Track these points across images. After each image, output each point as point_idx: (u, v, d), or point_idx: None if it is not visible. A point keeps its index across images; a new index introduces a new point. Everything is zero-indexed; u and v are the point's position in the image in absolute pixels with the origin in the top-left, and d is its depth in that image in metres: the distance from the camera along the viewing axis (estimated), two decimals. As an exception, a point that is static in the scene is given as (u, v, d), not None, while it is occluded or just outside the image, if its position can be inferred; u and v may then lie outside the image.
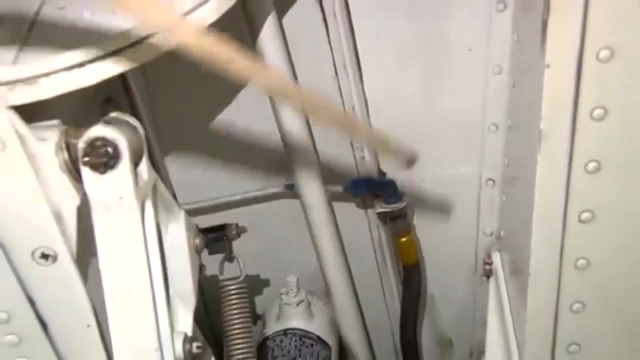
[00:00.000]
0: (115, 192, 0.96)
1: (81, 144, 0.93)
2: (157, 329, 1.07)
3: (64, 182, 0.96)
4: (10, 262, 1.00)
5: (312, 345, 1.73)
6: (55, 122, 0.96)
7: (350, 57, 1.52)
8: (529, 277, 1.11)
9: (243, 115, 1.63)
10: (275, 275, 1.86)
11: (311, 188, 1.66)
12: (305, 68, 1.53)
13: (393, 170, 1.70)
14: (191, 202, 1.66)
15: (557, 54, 0.91)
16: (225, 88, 1.60)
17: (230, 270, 1.38)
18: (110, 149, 0.93)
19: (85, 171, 0.94)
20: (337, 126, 1.19)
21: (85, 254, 1.02)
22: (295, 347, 1.71)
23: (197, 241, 1.22)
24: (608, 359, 1.17)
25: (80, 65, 0.90)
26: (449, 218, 1.78)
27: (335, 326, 1.88)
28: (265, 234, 1.74)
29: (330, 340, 1.80)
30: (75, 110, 1.03)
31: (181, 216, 1.17)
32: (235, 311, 1.29)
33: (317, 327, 1.78)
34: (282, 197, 1.77)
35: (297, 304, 1.78)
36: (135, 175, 0.97)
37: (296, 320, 1.77)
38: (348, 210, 1.78)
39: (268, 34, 1.42)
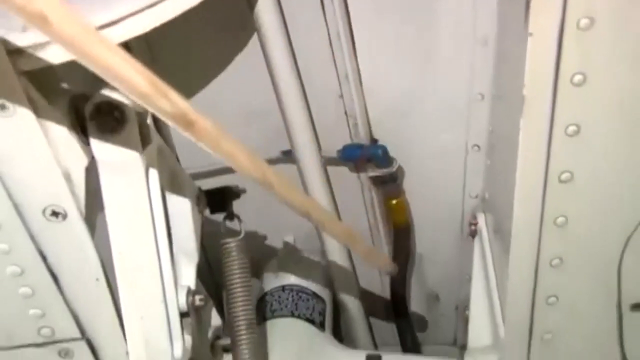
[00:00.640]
0: (121, 153, 0.95)
1: (89, 107, 0.92)
2: (162, 283, 1.07)
3: (72, 144, 0.95)
4: (23, 219, 0.99)
5: (308, 299, 1.74)
6: (64, 87, 0.95)
7: (344, 27, 1.50)
8: (511, 234, 1.11)
9: (242, 84, 1.62)
10: (273, 235, 1.86)
11: (307, 154, 1.66)
12: (301, 38, 1.52)
13: (384, 137, 1.69)
14: (193, 166, 1.65)
15: (540, 23, 0.90)
16: (225, 56, 1.59)
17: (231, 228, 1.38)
18: (116, 113, 0.92)
19: (93, 134, 0.94)
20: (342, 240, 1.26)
21: (94, 212, 1.02)
22: (293, 301, 1.71)
23: (199, 201, 1.22)
24: (584, 310, 1.18)
25: (87, 32, 0.89)
26: (437, 182, 1.77)
27: (329, 282, 1.89)
28: (263, 197, 1.72)
29: (325, 295, 1.81)
30: (83, 76, 1.02)
31: (184, 178, 1.17)
32: (235, 267, 1.28)
33: (313, 283, 1.79)
34: (279, 163, 1.76)
35: (294, 262, 1.78)
36: (141, 137, 0.96)
37: (293, 277, 1.78)
38: (342, 175, 1.78)
39: (265, 5, 1.40)
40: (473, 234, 1.72)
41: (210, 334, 1.37)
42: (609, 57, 0.92)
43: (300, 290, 1.75)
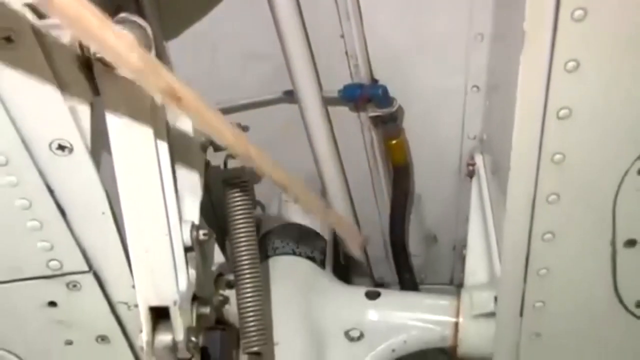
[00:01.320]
0: (126, 89, 0.95)
1: (93, 42, 0.92)
2: (167, 217, 1.07)
3: (78, 78, 0.95)
4: (30, 153, 1.00)
5: (309, 238, 1.75)
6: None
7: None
8: (510, 171, 1.11)
9: (244, 24, 1.61)
10: (275, 174, 1.86)
11: (308, 93, 1.65)
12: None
13: (385, 77, 1.69)
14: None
15: (541, -44, 0.89)
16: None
17: (234, 165, 1.38)
18: (121, 46, 0.92)
19: (98, 68, 0.93)
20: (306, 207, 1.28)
21: (100, 147, 1.02)
22: (294, 239, 1.73)
23: (203, 138, 1.22)
24: (579, 245, 1.18)
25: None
26: (436, 122, 1.77)
27: (330, 222, 1.90)
28: (265, 136, 1.72)
29: (325, 234, 1.82)
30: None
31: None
32: (238, 203, 1.29)
33: (314, 222, 1.80)
34: (281, 103, 1.76)
35: (295, 201, 1.79)
36: (145, 72, 0.95)
37: (294, 216, 1.79)
38: (342, 115, 1.77)
39: None
40: (471, 174, 1.72)
41: (213, 269, 1.38)
42: (610, -8, 0.91)
43: (302, 228, 1.76)
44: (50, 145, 0.99)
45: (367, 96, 1.69)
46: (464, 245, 1.66)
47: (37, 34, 0.89)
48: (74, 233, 1.10)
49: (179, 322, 1.10)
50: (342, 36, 1.61)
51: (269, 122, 1.79)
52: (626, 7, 0.92)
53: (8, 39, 0.88)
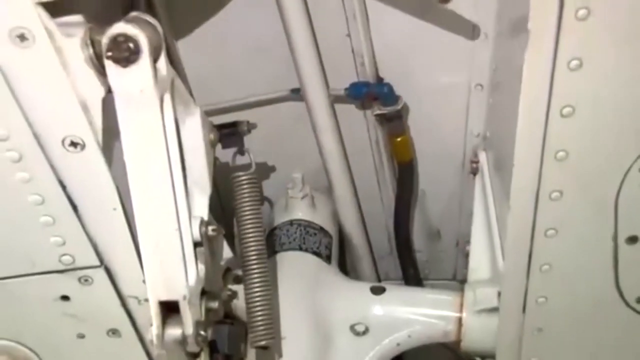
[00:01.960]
0: (136, 84, 0.95)
1: (105, 39, 0.92)
2: (177, 213, 1.07)
3: (89, 75, 0.95)
4: (43, 149, 1.00)
5: (315, 234, 1.75)
6: (80, 18, 0.94)
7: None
8: (513, 167, 1.10)
9: (253, 22, 1.61)
10: (282, 170, 1.87)
11: (315, 91, 1.65)
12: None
13: (390, 76, 1.69)
14: (206, 103, 1.65)
15: (546, -44, 0.89)
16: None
17: (242, 162, 1.38)
18: (131, 45, 0.92)
19: (109, 65, 0.93)
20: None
21: (112, 143, 1.02)
22: (300, 235, 1.72)
23: (212, 135, 1.22)
24: (581, 241, 1.18)
25: (102, -37, 0.89)
26: (441, 120, 1.77)
27: (335, 217, 1.90)
28: (273, 134, 1.74)
29: (331, 230, 1.82)
30: (99, 10, 1.02)
31: (197, 112, 1.17)
32: (246, 200, 1.29)
33: (320, 218, 1.80)
34: (288, 100, 1.76)
35: (302, 198, 1.79)
36: (155, 69, 0.96)
37: (301, 212, 1.79)
38: (348, 112, 1.77)
39: None
40: (474, 171, 1.72)
41: (221, 264, 1.38)
42: (613, -9, 0.91)
43: (308, 225, 1.76)
44: (62, 141, 0.99)
45: (372, 94, 1.68)
46: (467, 241, 1.66)
47: (50, 32, 0.89)
48: (85, 228, 1.10)
49: (189, 316, 1.10)
50: (349, 35, 1.61)
51: (277, 119, 1.79)
52: (629, 6, 0.92)
53: (22, 37, 0.88)
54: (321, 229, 1.78)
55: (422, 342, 1.54)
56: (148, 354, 1.28)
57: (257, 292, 1.30)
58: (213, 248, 1.23)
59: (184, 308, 1.09)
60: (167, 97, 1.02)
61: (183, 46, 1.66)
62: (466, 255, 1.63)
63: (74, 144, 0.99)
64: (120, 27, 0.91)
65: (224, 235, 1.31)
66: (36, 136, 0.98)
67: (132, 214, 1.06)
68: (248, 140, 1.40)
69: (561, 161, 1.08)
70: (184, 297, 1.09)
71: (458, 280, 2.17)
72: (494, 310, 1.38)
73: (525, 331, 1.30)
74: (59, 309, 1.21)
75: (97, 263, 1.15)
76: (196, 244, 1.13)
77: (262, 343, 1.29)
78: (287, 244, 1.71)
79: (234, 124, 1.36)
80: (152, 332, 1.09)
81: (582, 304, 1.27)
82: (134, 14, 0.98)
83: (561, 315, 1.29)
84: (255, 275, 1.30)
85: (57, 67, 0.91)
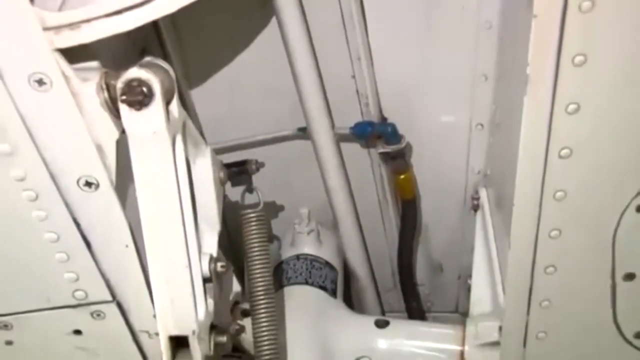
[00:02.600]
0: (149, 127, 0.96)
1: (119, 84, 0.93)
2: (187, 250, 1.07)
3: (104, 118, 0.96)
4: (59, 189, 1.00)
5: (320, 268, 1.74)
6: (96, 64, 0.95)
7: (356, 9, 1.50)
8: (513, 207, 1.10)
9: (262, 64, 1.62)
10: (289, 207, 1.86)
11: (322, 130, 1.66)
12: (317, 22, 1.52)
13: (393, 115, 1.69)
14: (216, 142, 1.66)
15: (544, 5, 0.89)
16: (246, 37, 1.59)
17: (250, 200, 1.39)
18: (145, 89, 0.93)
19: (123, 108, 0.94)
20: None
21: (125, 182, 1.03)
22: (307, 269, 1.72)
23: (222, 174, 1.22)
24: (580, 278, 1.18)
25: (118, 12, 0.90)
26: (443, 158, 1.77)
27: (341, 252, 1.89)
28: (280, 171, 1.74)
29: (337, 264, 1.82)
30: (114, 56, 1.03)
31: (207, 152, 1.17)
32: (255, 237, 1.29)
33: (326, 252, 1.79)
34: (295, 139, 1.77)
35: (308, 233, 1.79)
36: (167, 112, 0.96)
37: (307, 247, 1.78)
38: (353, 151, 1.77)
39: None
40: (475, 207, 1.72)
41: (230, 299, 1.38)
42: (610, 39, 0.91)
43: (314, 259, 1.76)
44: (77, 181, 0.99)
45: (377, 133, 1.69)
46: (469, 275, 1.65)
47: (67, 77, 0.89)
48: (98, 264, 1.10)
49: (198, 351, 1.09)
50: (354, 76, 1.61)
51: (284, 156, 1.80)
52: (624, 53, 0.93)
53: (40, 82, 0.89)
54: (327, 263, 1.78)
55: (425, 375, 1.53)
56: (158, 386, 1.28)
57: (264, 326, 1.30)
58: (222, 283, 1.23)
59: (194, 343, 1.09)
60: (179, 138, 1.02)
61: (195, 86, 1.67)
62: (468, 288, 1.62)
63: (88, 184, 1.00)
64: (134, 72, 0.92)
65: (233, 269, 1.31)
66: (52, 176, 0.98)
67: (144, 250, 1.06)
68: (256, 177, 1.40)
69: (560, 201, 1.08)
70: (194, 332, 1.08)
71: (460, 313, 2.15)
72: (496, 344, 1.37)
73: (527, 366, 1.29)
74: (72, 343, 1.20)
75: (110, 298, 1.15)
76: (205, 280, 1.13)
77: (269, 376, 1.29)
78: (293, 278, 1.70)
79: (242, 163, 1.37)
80: (163, 365, 1.08)
81: (581, 339, 1.27)
82: (147, 59, 0.99)
83: (561, 350, 1.28)
84: (263, 310, 1.30)
85: (73, 110, 0.92)
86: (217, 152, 1.29)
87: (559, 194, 1.07)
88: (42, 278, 1.12)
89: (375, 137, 1.71)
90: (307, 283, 1.69)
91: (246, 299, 1.35)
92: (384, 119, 1.70)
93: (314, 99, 1.60)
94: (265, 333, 1.30)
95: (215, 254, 1.17)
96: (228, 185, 1.30)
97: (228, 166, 1.29)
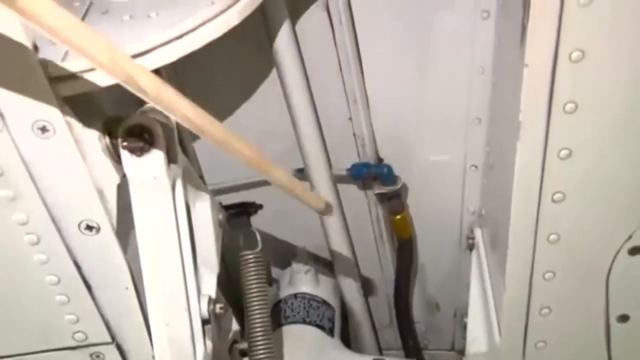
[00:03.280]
0: (150, 172, 0.96)
1: (121, 130, 0.93)
2: (186, 292, 1.07)
3: (105, 163, 0.96)
4: (60, 232, 1.00)
5: (318, 307, 1.74)
6: (98, 112, 0.96)
7: (352, 54, 1.51)
8: (508, 249, 1.10)
9: (261, 107, 1.63)
10: (287, 245, 1.86)
11: (319, 171, 1.66)
12: (314, 67, 1.53)
13: (389, 156, 1.70)
14: (215, 182, 1.66)
15: (535, 54, 0.90)
16: (245, 81, 1.61)
17: (249, 240, 1.38)
18: (146, 135, 0.93)
19: (125, 154, 0.94)
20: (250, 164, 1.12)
21: (125, 226, 1.02)
22: (304, 308, 1.71)
23: (220, 216, 1.22)
24: (574, 320, 1.17)
25: (120, 62, 0.90)
26: (438, 199, 1.77)
27: (338, 291, 1.89)
28: (278, 212, 1.73)
29: (334, 303, 1.81)
30: (116, 102, 1.03)
31: (207, 195, 1.17)
32: (253, 278, 1.29)
33: (323, 291, 1.79)
34: (293, 180, 1.77)
35: (306, 272, 1.79)
36: (168, 158, 0.96)
37: (305, 286, 1.78)
38: (350, 192, 1.78)
39: (283, 36, 1.42)
40: (471, 247, 1.72)
41: (228, 338, 1.37)
42: (600, 87, 0.92)
43: (311, 298, 1.75)
44: (79, 225, 0.99)
45: (373, 175, 1.70)
46: (464, 313, 1.64)
47: (69, 124, 0.90)
48: (98, 306, 1.09)
49: (196, 392, 1.08)
50: (350, 119, 1.62)
51: (282, 196, 1.79)
52: (614, 101, 0.93)
53: (43, 129, 0.89)
54: (324, 302, 1.77)
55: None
56: None
57: (262, 367, 1.28)
58: (220, 324, 1.22)
59: (192, 384, 1.08)
60: (179, 183, 1.02)
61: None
62: (464, 326, 1.61)
63: (89, 228, 0.99)
64: (135, 119, 0.93)
65: (232, 309, 1.30)
66: (54, 220, 0.98)
67: (144, 292, 1.06)
68: (255, 219, 1.40)
69: (553, 244, 1.08)
70: (192, 374, 1.08)
71: (456, 351, 2.13)
72: (492, 384, 1.36)
73: (523, 406, 1.28)
74: (71, 384, 1.19)
75: (109, 340, 1.14)
76: (204, 322, 1.12)
77: (267, 416, 1.27)
78: (291, 317, 1.70)
79: (241, 205, 1.36)
80: (161, 407, 1.07)
81: (576, 379, 1.26)
82: (148, 105, 0.99)
83: (557, 391, 1.27)
84: (261, 351, 1.29)
85: (75, 156, 0.92)
86: (216, 192, 1.29)
87: (552, 236, 1.07)
88: (43, 320, 1.11)
89: (372, 178, 1.72)
90: (304, 322, 1.68)
91: (245, 338, 1.34)
92: (380, 160, 1.71)
93: (311, 140, 1.61)
94: (263, 374, 1.29)
95: (214, 296, 1.16)
96: (226, 226, 1.29)
97: (227, 208, 1.29)
